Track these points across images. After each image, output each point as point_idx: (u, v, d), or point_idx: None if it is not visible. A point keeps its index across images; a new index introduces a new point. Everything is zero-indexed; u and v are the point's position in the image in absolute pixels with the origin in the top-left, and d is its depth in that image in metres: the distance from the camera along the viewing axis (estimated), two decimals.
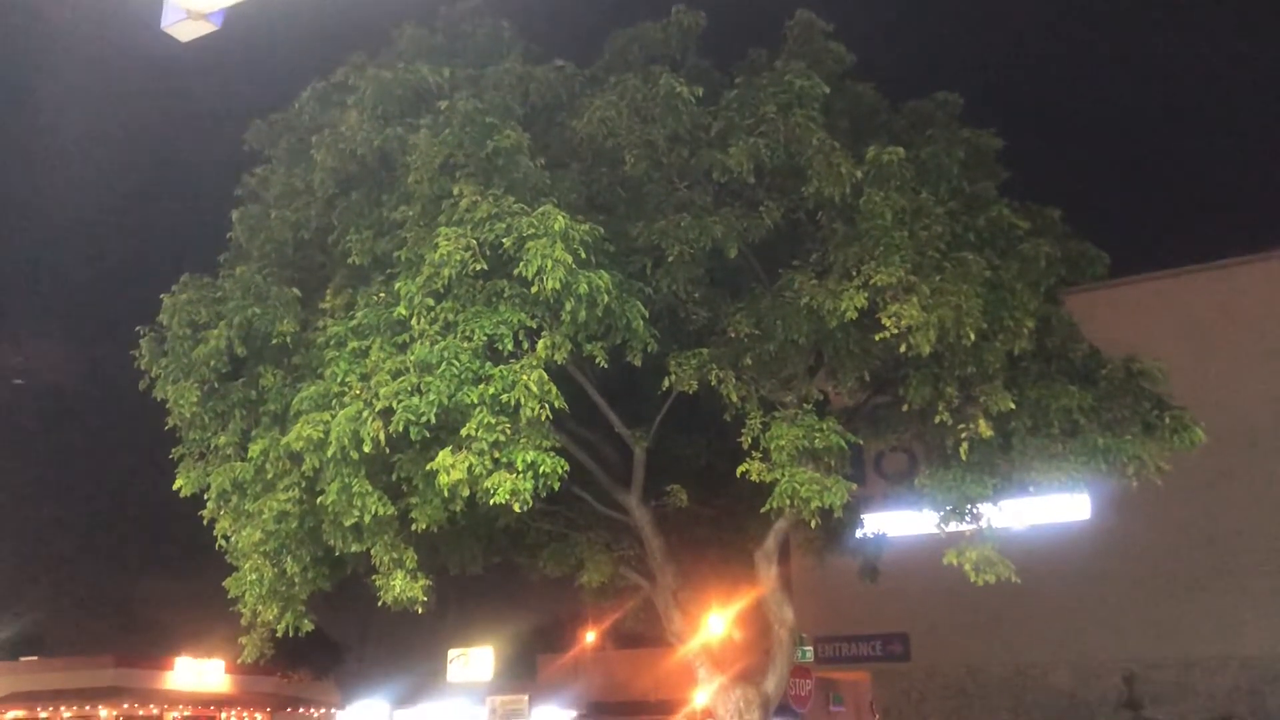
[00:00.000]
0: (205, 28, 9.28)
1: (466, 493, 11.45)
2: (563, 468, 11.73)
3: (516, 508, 11.45)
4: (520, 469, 11.35)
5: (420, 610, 13.04)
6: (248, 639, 14.83)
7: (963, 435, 12.96)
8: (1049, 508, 19.30)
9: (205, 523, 13.81)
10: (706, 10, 14.39)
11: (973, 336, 11.90)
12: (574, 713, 40.12)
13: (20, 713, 36.19)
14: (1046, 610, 23.65)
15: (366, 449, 11.35)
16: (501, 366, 11.55)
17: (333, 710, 44.28)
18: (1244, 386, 23.61)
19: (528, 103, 13.77)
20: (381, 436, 11.35)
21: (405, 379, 11.42)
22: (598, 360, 12.37)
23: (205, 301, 13.60)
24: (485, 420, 11.23)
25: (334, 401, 11.86)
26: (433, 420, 11.28)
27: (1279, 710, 22.74)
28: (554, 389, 11.53)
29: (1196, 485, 20.57)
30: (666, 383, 13.13)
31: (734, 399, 12.96)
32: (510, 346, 11.68)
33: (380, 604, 13.07)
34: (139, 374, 14.01)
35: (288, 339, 13.15)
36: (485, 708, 38.34)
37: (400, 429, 11.28)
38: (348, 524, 12.07)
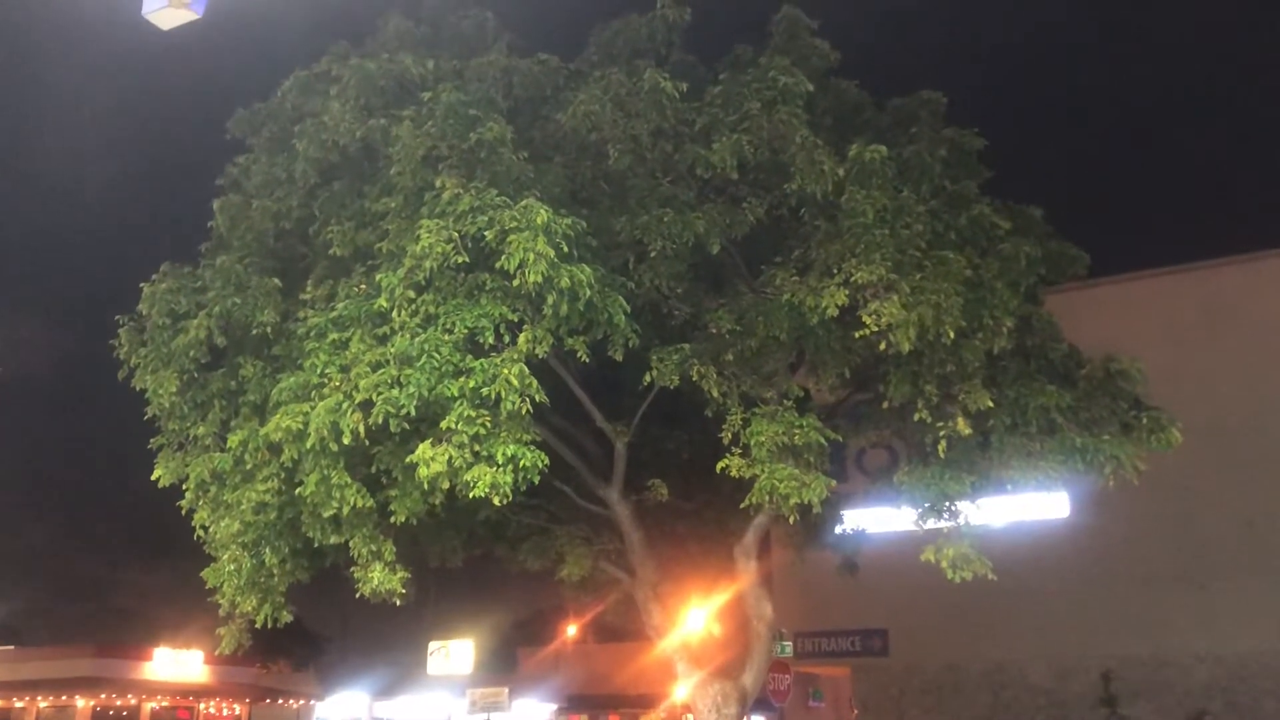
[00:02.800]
0: (186, 15, 9.23)
1: (446, 485, 11.45)
2: (543, 461, 11.72)
3: (496, 501, 11.45)
4: (500, 462, 11.35)
5: (399, 602, 13.05)
6: (226, 630, 14.81)
7: (942, 433, 13.03)
8: (1027, 505, 19.42)
9: (184, 513, 13.76)
10: (692, 5, 14.38)
11: (952, 335, 11.95)
12: (554, 706, 40.18)
13: None
14: (1025, 607, 23.78)
15: (346, 441, 11.32)
16: (482, 360, 11.53)
17: (312, 701, 44.16)
18: (1222, 388, 23.77)
19: (511, 95, 13.75)
20: (361, 428, 11.32)
21: (385, 371, 11.39)
22: (579, 354, 12.38)
23: (185, 291, 13.55)
24: (465, 413, 11.21)
25: (314, 393, 11.82)
26: (412, 413, 11.26)
27: (1252, 707, 22.97)
28: (535, 382, 11.52)
29: (1174, 484, 20.69)
30: (648, 378, 13.13)
31: (715, 394, 12.99)
32: (491, 340, 11.66)
33: (359, 596, 13.07)
34: (118, 363, 13.94)
35: (268, 329, 13.11)
36: (465, 700, 38.36)
37: (380, 421, 11.25)
38: (326, 515, 12.06)
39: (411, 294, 11.82)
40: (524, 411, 11.48)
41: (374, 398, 11.25)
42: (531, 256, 11.11)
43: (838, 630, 27.18)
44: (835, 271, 12.16)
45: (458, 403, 11.26)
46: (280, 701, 42.55)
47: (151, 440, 14.16)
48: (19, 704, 35.96)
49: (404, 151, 12.39)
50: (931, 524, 13.69)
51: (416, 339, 11.50)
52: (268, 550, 13.07)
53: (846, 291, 11.93)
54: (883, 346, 12.06)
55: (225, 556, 13.24)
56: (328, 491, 11.71)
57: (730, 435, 12.92)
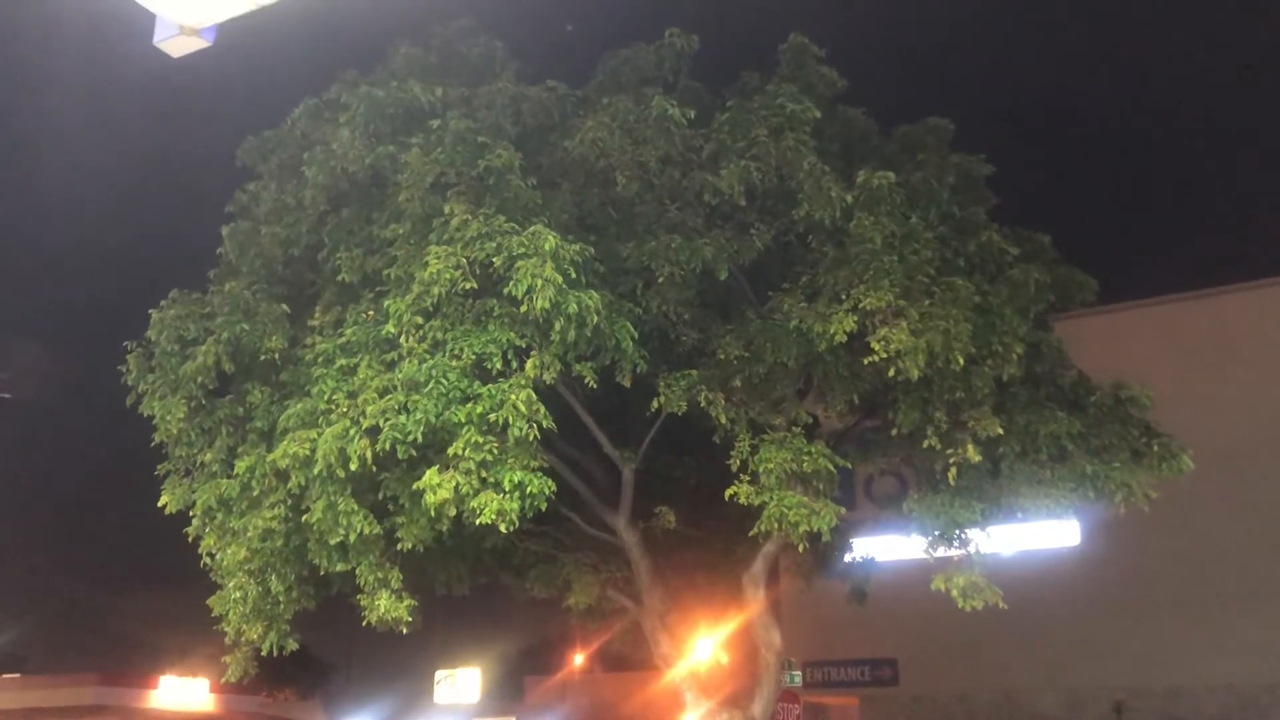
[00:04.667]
0: (197, 44, 9.28)
1: (453, 512, 11.41)
2: (550, 488, 11.69)
3: (503, 528, 11.40)
4: (507, 489, 11.32)
5: (405, 630, 12.98)
6: (232, 658, 14.71)
7: (951, 460, 12.95)
8: (1038, 533, 19.29)
9: (190, 540, 13.72)
10: (699, 33, 14.45)
11: (961, 361, 11.91)
12: None
13: None
14: (1035, 636, 23.58)
15: (353, 467, 11.30)
16: (490, 386, 11.53)
17: None
18: (1232, 414, 23.66)
19: (520, 123, 13.79)
20: (368, 455, 11.31)
21: (393, 397, 11.39)
22: (587, 380, 12.37)
23: (194, 317, 13.56)
24: (473, 439, 11.19)
25: (321, 419, 11.82)
26: (420, 439, 11.25)
27: None
28: (542, 409, 11.51)
29: (1184, 512, 20.56)
30: (656, 404, 13.10)
31: (723, 421, 12.94)
32: (499, 366, 11.65)
33: (365, 624, 13.00)
34: (126, 389, 13.94)
35: (276, 356, 13.12)
36: None
37: (387, 447, 11.24)
38: (333, 543, 12.02)
39: (419, 320, 11.84)
40: (531, 438, 11.46)
41: (381, 424, 11.25)
42: (539, 282, 11.13)
43: (847, 660, 26.97)
44: (843, 298, 12.15)
45: (465, 429, 11.25)
46: None
47: (159, 466, 14.15)
48: None
49: (413, 178, 12.44)
50: (941, 552, 13.61)
51: (424, 365, 11.51)
52: (274, 577, 13.02)
53: (855, 318, 11.91)
54: (891, 373, 12.01)
55: (231, 584, 13.19)
56: (334, 518, 11.68)
57: (738, 462, 12.86)
